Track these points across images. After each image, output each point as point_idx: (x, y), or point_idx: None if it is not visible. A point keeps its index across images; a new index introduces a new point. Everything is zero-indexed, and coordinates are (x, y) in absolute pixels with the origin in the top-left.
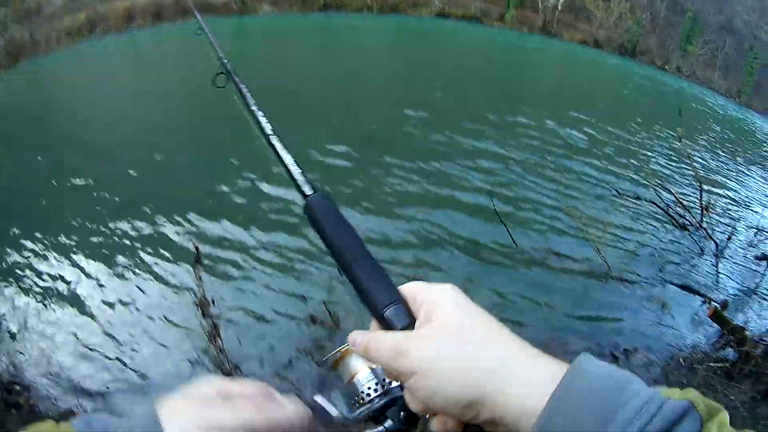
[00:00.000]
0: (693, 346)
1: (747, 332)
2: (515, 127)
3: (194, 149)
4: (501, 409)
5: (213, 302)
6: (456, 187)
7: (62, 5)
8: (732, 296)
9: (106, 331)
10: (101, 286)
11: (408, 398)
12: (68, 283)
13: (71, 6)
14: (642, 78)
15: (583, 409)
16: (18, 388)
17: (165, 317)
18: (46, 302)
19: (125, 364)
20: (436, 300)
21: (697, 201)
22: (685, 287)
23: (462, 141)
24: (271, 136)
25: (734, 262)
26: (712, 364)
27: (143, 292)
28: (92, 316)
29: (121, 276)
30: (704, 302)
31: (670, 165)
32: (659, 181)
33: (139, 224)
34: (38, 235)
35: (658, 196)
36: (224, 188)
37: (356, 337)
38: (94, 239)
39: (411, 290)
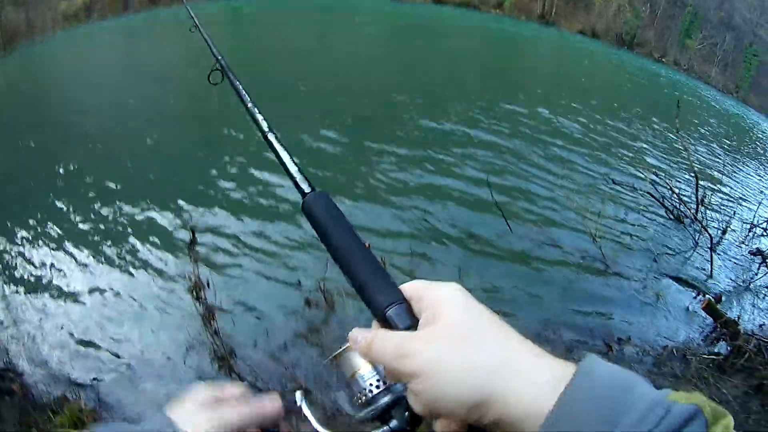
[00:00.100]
0: (686, 337)
1: (740, 326)
2: (511, 116)
3: (188, 134)
4: (507, 411)
5: (208, 285)
6: (450, 174)
7: None
8: (726, 290)
9: (98, 317)
10: (93, 272)
11: (411, 400)
12: (60, 269)
13: None
14: (638, 69)
15: (589, 411)
16: (11, 375)
17: (159, 301)
18: (38, 289)
19: (118, 350)
20: (439, 300)
21: (693, 194)
22: (679, 279)
23: (457, 129)
24: (267, 134)
25: (728, 256)
26: (705, 356)
27: (136, 277)
28: (84, 302)
29: (113, 261)
30: (698, 294)
31: (666, 157)
32: (655, 173)
33: (132, 210)
34: (30, 221)
35: (654, 188)
36: (218, 174)
37: (357, 335)
38: (87, 225)
39: (413, 289)
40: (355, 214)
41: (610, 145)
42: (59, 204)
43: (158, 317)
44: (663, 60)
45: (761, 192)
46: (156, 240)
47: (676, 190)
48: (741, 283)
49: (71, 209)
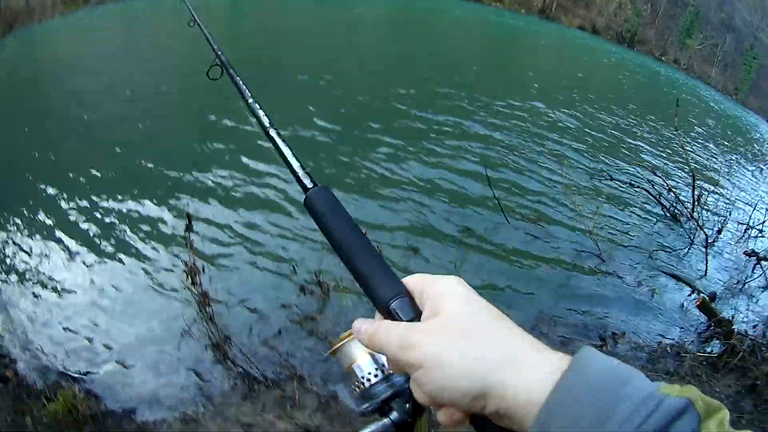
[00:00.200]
0: (680, 335)
1: (734, 326)
2: (508, 109)
3: (183, 123)
4: (507, 402)
5: (203, 270)
6: (446, 167)
7: None
8: (720, 289)
9: (92, 304)
10: (87, 259)
11: (414, 390)
12: (53, 256)
13: None
14: (638, 67)
15: (582, 403)
16: (6, 362)
17: (153, 289)
18: (31, 276)
19: (113, 336)
20: (442, 293)
21: (689, 192)
22: (674, 276)
23: (453, 121)
24: (269, 129)
25: (724, 256)
26: (698, 354)
27: (130, 264)
28: (78, 289)
29: (107, 249)
30: (693, 292)
31: (663, 155)
32: (652, 170)
33: (125, 198)
34: (22, 209)
35: (651, 185)
36: (213, 163)
37: (361, 325)
38: (80, 213)
39: (416, 283)
40: (350, 205)
41: (607, 142)
42: (52, 191)
43: (153, 304)
44: (663, 58)
45: (757, 193)
46: (150, 228)
47: (673, 188)
48: (735, 283)
49: (64, 197)
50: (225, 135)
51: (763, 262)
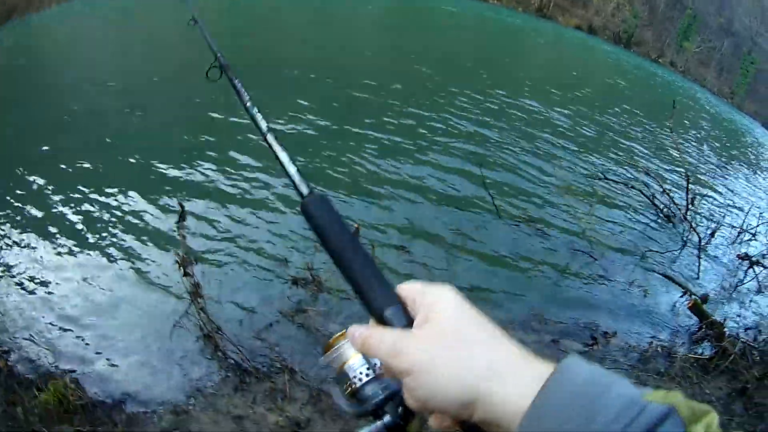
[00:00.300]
0: (671, 335)
1: (725, 329)
2: (501, 107)
3: (176, 114)
4: (494, 410)
5: (195, 261)
6: (439, 165)
7: None
8: (712, 291)
9: (84, 295)
10: (78, 250)
11: (405, 395)
12: (44, 247)
13: None
14: (635, 68)
15: (564, 410)
16: None
17: (144, 279)
18: (22, 267)
19: (104, 327)
20: (434, 301)
21: (683, 194)
22: (666, 277)
23: (446, 119)
24: (266, 134)
25: (716, 259)
26: (689, 355)
27: (122, 255)
28: (69, 280)
29: (98, 240)
30: (684, 294)
31: (657, 156)
32: (646, 171)
33: (117, 189)
34: (10, 199)
35: (645, 185)
36: (206, 152)
37: (355, 330)
38: (70, 203)
39: (409, 291)
40: (341, 203)
41: (601, 142)
42: (42, 182)
43: (144, 296)
44: (659, 60)
45: (751, 197)
46: (141, 219)
47: (667, 189)
48: (728, 286)
49: (54, 188)
50: (218, 129)
51: (756, 267)
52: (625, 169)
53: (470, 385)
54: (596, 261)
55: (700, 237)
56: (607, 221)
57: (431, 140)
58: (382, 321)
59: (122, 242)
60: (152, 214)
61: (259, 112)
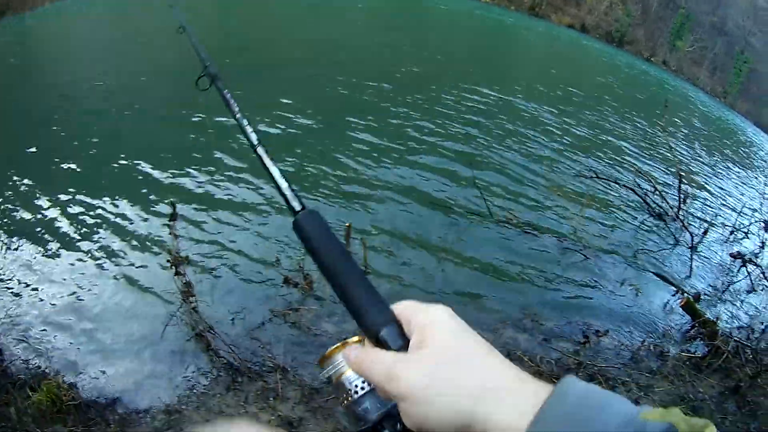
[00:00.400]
0: (663, 334)
1: (718, 327)
2: (491, 106)
3: (166, 112)
4: (491, 431)
5: (187, 259)
6: (427, 164)
7: None
8: (704, 290)
9: (76, 294)
10: (70, 249)
11: (402, 417)
12: (36, 246)
13: None
14: (627, 67)
15: (562, 430)
16: None
17: (136, 278)
18: (14, 266)
19: (96, 326)
20: (429, 323)
21: (675, 192)
22: (659, 275)
23: (437, 118)
24: (257, 147)
25: (709, 257)
26: (682, 354)
27: (113, 254)
28: (61, 280)
29: (90, 240)
30: (677, 292)
31: (649, 155)
32: (637, 170)
33: (106, 189)
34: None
35: (637, 184)
36: (196, 154)
37: (350, 352)
38: (60, 202)
39: (405, 311)
40: (329, 205)
41: (593, 141)
42: (33, 183)
43: (136, 295)
44: (652, 59)
45: (743, 196)
46: (133, 219)
47: (659, 187)
48: (720, 285)
49: (44, 189)
50: (209, 130)
51: (749, 265)
52: (616, 168)
53: (466, 409)
54: (588, 260)
55: (692, 236)
56: (599, 220)
57: (421, 140)
58: (378, 341)
59: (113, 243)
60: (143, 215)
61: (249, 124)
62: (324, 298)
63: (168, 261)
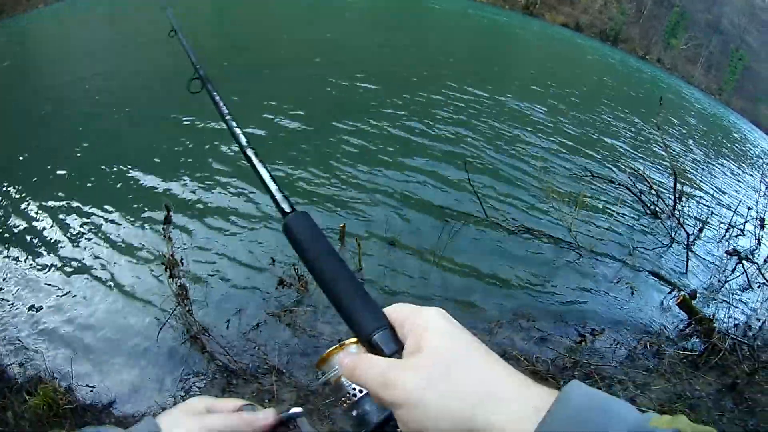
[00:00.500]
0: (660, 332)
1: (714, 324)
2: (484, 105)
3: (157, 114)
4: None
5: (182, 262)
6: (420, 162)
7: None
8: (700, 287)
9: (71, 297)
10: (65, 253)
11: (400, 425)
12: (31, 251)
13: None
14: (621, 65)
15: None
16: None
17: (131, 281)
18: (9, 271)
19: (92, 330)
20: (424, 326)
21: (670, 190)
22: (654, 273)
23: (429, 118)
24: (246, 149)
25: (705, 255)
26: (678, 351)
27: (108, 257)
28: (56, 283)
29: (85, 243)
30: (673, 290)
31: (644, 153)
32: (633, 167)
33: (104, 190)
34: None
35: (632, 182)
36: (191, 155)
37: (343, 358)
38: (53, 205)
39: (398, 314)
40: (323, 209)
41: (588, 139)
42: (27, 184)
43: (131, 297)
44: (647, 57)
45: (738, 193)
46: (126, 222)
47: (655, 185)
48: (716, 282)
49: (41, 190)
50: (201, 134)
51: (745, 262)
52: (611, 166)
53: (463, 416)
54: (583, 259)
55: (688, 233)
56: (594, 219)
57: (414, 141)
58: (371, 346)
59: (107, 247)
60: (136, 219)
61: (238, 126)
62: (319, 299)
63: (162, 264)
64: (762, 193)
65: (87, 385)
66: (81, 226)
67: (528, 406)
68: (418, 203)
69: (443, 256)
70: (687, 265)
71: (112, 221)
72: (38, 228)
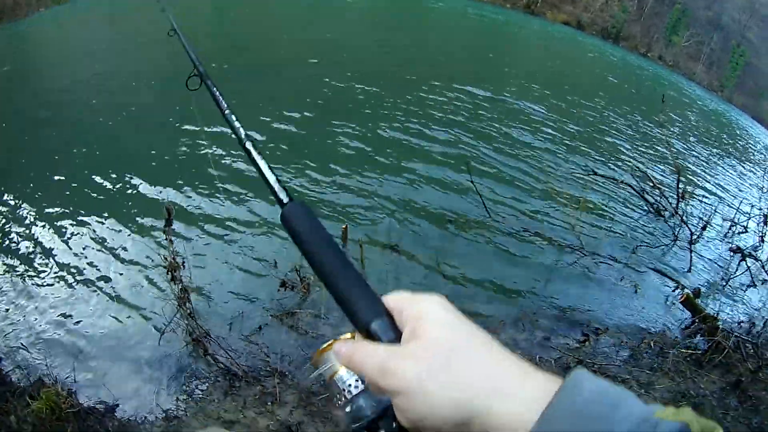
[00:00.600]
0: (663, 330)
1: (718, 322)
2: (486, 104)
3: (161, 114)
4: (493, 428)
5: (183, 265)
6: (427, 161)
7: None
8: (704, 285)
9: (73, 301)
10: (66, 257)
11: (397, 414)
12: (32, 254)
13: None
14: (623, 62)
15: (573, 429)
16: None
17: (133, 284)
18: (11, 274)
19: (94, 333)
20: (422, 313)
21: (673, 188)
22: (658, 271)
23: (430, 118)
24: (245, 142)
25: (708, 252)
26: (682, 350)
27: (109, 261)
28: (59, 287)
29: (86, 246)
30: (677, 288)
31: (647, 150)
32: (635, 165)
33: (103, 193)
34: None
35: (635, 180)
36: (191, 158)
37: (340, 347)
38: (54, 208)
39: (396, 302)
40: (327, 204)
41: (590, 137)
42: (28, 189)
43: (132, 302)
44: (648, 55)
45: (741, 189)
46: (129, 224)
47: (657, 184)
48: (720, 280)
49: (41, 194)
50: (200, 135)
51: (748, 259)
52: (614, 164)
53: (464, 403)
54: (586, 257)
55: (691, 231)
56: (597, 217)
57: (416, 143)
58: (368, 335)
59: (110, 248)
60: (137, 222)
61: (237, 120)
62: (321, 300)
63: (163, 267)
64: (765, 190)
65: (90, 389)
66: (82, 231)
67: (531, 395)
68: (420, 204)
69: (444, 256)
70: (691, 263)
71: (112, 226)
72: (39, 233)
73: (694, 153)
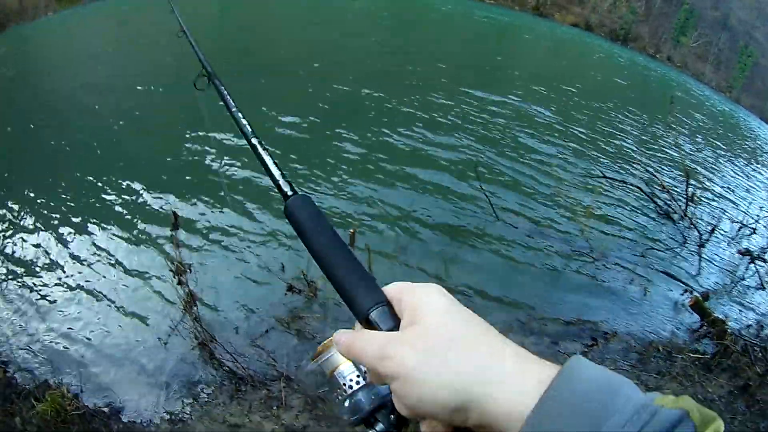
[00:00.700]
0: (672, 334)
1: (727, 326)
2: (494, 106)
3: (166, 118)
4: (490, 414)
5: (190, 269)
6: (435, 166)
7: None
8: (713, 288)
9: (80, 304)
10: (73, 260)
11: (395, 401)
12: (39, 258)
13: None
14: (631, 64)
15: (571, 415)
16: None
17: (139, 288)
18: (18, 277)
19: (100, 336)
20: (421, 301)
21: (682, 190)
22: (667, 274)
23: (439, 119)
24: (251, 138)
25: (717, 255)
26: (690, 354)
27: (116, 264)
28: (65, 290)
29: (93, 250)
30: (685, 291)
31: (655, 152)
32: (644, 168)
33: (110, 198)
34: (5, 211)
35: (644, 182)
36: (200, 158)
37: (341, 336)
38: (64, 214)
39: (395, 291)
40: (335, 205)
41: (598, 139)
42: (34, 193)
43: (139, 305)
44: (657, 56)
45: (750, 191)
46: (135, 228)
47: (667, 186)
48: (729, 283)
49: (48, 198)
50: (206, 137)
51: (757, 261)
52: (623, 167)
53: (461, 389)
54: (595, 260)
55: (700, 233)
56: (606, 220)
57: (422, 147)
58: (368, 324)
59: (117, 252)
60: (146, 222)
61: (243, 117)
62: (328, 305)
63: (170, 270)
64: None
65: (95, 391)
66: (87, 236)
67: (528, 381)
68: (426, 210)
69: (453, 259)
70: (700, 266)
71: (117, 232)
72: (43, 238)
73: (703, 155)
